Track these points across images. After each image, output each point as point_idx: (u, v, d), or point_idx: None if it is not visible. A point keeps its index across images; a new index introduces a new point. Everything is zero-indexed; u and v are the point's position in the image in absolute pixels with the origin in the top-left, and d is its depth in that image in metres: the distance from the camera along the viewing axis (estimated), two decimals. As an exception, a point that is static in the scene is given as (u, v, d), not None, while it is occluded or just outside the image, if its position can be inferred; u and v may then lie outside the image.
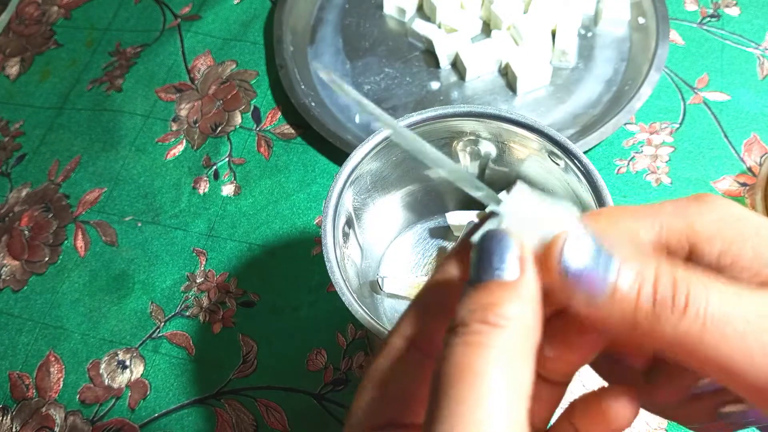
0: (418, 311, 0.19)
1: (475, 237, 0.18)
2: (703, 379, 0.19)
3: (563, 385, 0.20)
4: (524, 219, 0.18)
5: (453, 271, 0.19)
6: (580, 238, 0.17)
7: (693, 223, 0.19)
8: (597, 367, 0.22)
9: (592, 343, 0.19)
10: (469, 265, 0.18)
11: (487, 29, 0.60)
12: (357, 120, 0.57)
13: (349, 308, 0.36)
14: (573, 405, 0.21)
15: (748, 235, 0.18)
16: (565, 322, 0.19)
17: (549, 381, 0.20)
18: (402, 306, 0.46)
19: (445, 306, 0.19)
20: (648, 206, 0.19)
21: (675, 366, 0.20)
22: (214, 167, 0.56)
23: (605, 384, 0.20)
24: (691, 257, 0.19)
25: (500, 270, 0.17)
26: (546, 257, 0.17)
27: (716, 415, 0.20)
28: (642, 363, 0.21)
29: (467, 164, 0.46)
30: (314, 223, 0.52)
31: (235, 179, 0.55)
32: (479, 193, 0.19)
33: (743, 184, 0.51)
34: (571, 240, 0.17)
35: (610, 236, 0.18)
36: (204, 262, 0.52)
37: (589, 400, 0.20)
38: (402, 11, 0.61)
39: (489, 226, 0.18)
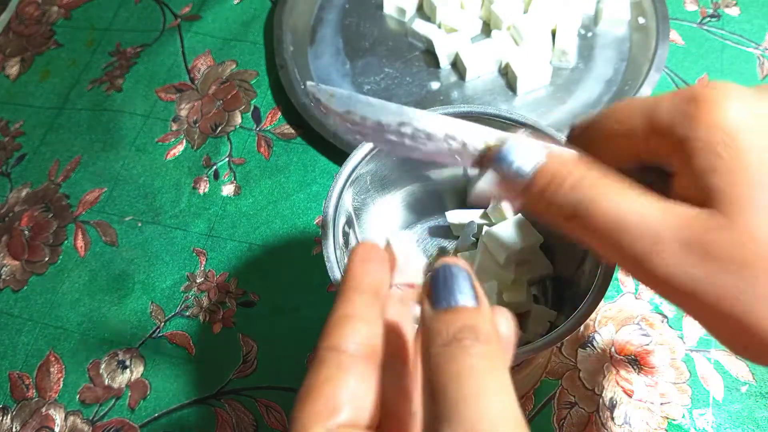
0: (360, 321, 0.21)
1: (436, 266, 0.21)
2: None
3: None
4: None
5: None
6: (515, 142, 0.24)
7: (673, 132, 0.21)
8: (634, 176, 0.24)
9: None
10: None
11: (487, 29, 0.60)
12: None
13: (349, 308, 0.36)
14: None
15: (709, 170, 0.20)
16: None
17: None
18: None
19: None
20: (648, 99, 0.22)
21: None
22: (214, 167, 0.56)
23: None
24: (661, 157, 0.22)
25: (462, 299, 0.20)
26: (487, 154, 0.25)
27: None
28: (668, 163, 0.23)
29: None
30: (314, 223, 0.52)
31: (235, 179, 0.55)
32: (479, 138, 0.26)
33: (743, 184, 0.51)
34: (509, 142, 0.24)
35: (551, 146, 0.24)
36: (204, 262, 0.52)
37: None
38: (402, 11, 0.61)
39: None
